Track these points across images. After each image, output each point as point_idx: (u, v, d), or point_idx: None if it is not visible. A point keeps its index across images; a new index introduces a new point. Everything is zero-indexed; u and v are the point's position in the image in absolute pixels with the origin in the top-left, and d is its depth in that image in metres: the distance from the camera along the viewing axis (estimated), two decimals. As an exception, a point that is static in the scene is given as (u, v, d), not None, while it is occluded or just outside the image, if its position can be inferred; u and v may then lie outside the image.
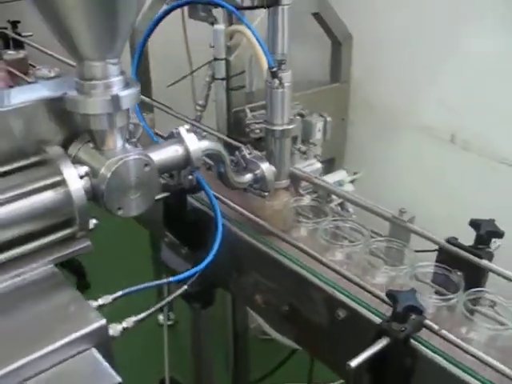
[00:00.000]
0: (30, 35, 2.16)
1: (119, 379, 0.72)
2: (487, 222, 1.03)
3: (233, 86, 1.65)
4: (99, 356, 0.75)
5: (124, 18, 0.85)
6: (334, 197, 1.29)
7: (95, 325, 0.77)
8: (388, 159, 1.88)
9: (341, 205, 1.30)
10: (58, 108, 0.94)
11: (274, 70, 1.13)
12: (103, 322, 0.78)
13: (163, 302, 0.96)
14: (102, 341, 0.78)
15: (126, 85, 0.90)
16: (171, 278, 0.98)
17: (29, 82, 1.75)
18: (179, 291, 0.97)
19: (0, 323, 0.79)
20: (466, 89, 1.69)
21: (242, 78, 1.67)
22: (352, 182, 1.37)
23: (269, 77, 1.16)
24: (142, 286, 0.94)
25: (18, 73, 1.78)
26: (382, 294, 1.00)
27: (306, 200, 1.23)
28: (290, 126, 1.19)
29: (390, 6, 1.86)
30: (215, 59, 1.61)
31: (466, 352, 0.91)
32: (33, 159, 0.93)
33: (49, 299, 0.83)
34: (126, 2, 0.83)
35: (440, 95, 1.77)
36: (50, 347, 0.74)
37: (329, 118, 1.71)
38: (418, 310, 0.88)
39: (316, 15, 1.87)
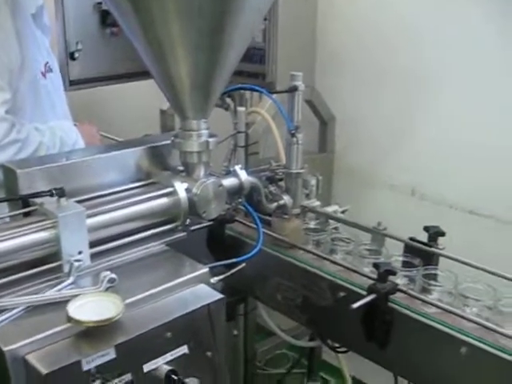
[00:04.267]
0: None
1: (222, 296, 1.22)
2: (434, 227, 1.59)
3: (250, 152, 2.23)
4: (206, 286, 1.26)
5: (214, 95, 1.43)
6: (330, 222, 1.84)
7: (203, 270, 1.29)
8: (366, 203, 2.48)
9: (335, 228, 1.84)
10: (156, 152, 1.51)
11: (293, 132, 1.70)
12: (206, 269, 1.29)
13: (228, 273, 1.44)
14: (206, 282, 1.28)
15: (211, 135, 1.46)
16: (235, 259, 1.49)
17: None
18: (239, 267, 1.47)
19: (143, 274, 1.28)
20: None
21: (257, 146, 2.25)
22: (343, 212, 1.93)
23: (288, 136, 1.73)
24: (218, 263, 1.45)
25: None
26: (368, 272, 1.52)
27: (312, 223, 1.79)
28: (302, 170, 1.76)
29: (364, 96, 2.53)
30: (238, 132, 2.19)
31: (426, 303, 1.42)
32: (147, 181, 1.47)
33: (169, 261, 1.35)
34: (217, 87, 1.41)
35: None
36: (179, 280, 1.24)
37: (320, 177, 2.29)
38: (393, 272, 1.42)
39: (308, 102, 2.50)
